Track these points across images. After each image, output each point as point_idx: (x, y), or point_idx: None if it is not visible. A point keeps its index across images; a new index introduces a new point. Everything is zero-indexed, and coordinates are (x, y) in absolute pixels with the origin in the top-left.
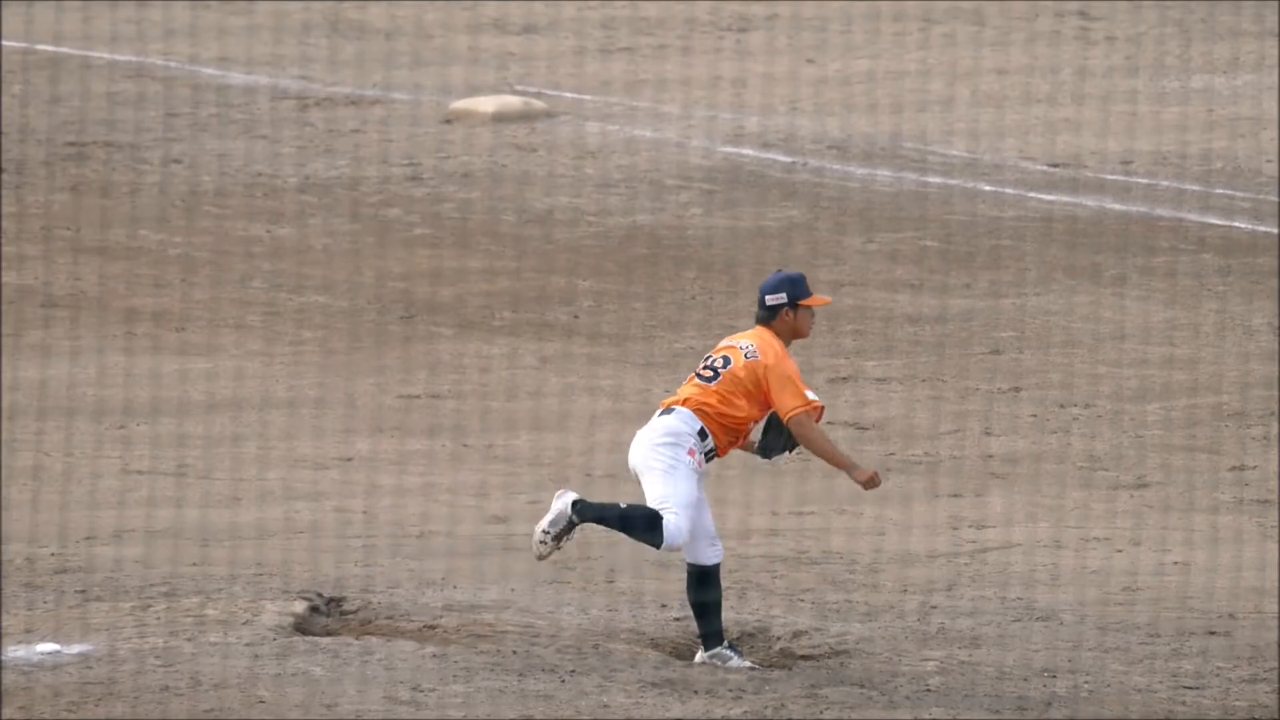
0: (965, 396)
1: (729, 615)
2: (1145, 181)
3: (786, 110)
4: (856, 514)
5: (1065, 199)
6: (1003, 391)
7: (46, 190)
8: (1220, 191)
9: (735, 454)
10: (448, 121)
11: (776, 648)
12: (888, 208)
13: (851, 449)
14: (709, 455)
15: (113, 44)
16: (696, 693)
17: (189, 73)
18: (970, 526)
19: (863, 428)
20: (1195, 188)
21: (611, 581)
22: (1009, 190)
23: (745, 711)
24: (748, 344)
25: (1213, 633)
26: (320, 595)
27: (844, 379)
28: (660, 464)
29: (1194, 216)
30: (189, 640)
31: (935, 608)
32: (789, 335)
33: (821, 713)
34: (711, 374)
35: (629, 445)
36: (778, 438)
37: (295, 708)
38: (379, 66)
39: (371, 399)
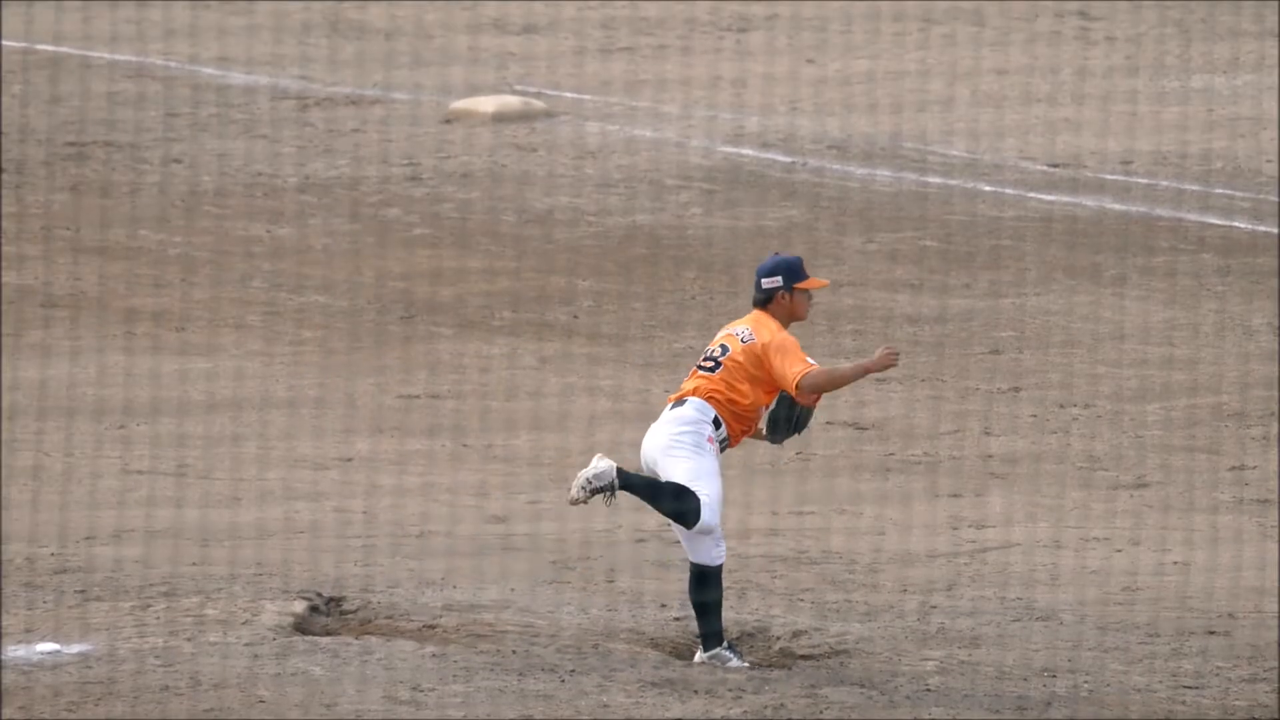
0: (965, 396)
1: (729, 615)
2: (1145, 181)
3: (786, 110)
4: (856, 514)
5: (1065, 199)
6: (1002, 391)
7: (46, 190)
8: (1220, 191)
9: (733, 455)
10: (448, 121)
11: (776, 648)
12: (888, 208)
13: (851, 449)
14: (723, 445)
15: (113, 44)
16: (696, 693)
17: (189, 73)
18: (970, 526)
19: (863, 428)
20: (1195, 188)
21: (611, 581)
22: (1009, 190)
23: (745, 711)
24: (744, 329)
25: (1213, 633)
26: (320, 595)
27: None
28: (681, 450)
29: (1194, 216)
30: (189, 640)
31: (935, 608)
32: (786, 318)
33: (821, 713)
34: (713, 364)
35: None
36: (784, 417)
37: (295, 707)
38: (379, 66)
39: (371, 399)
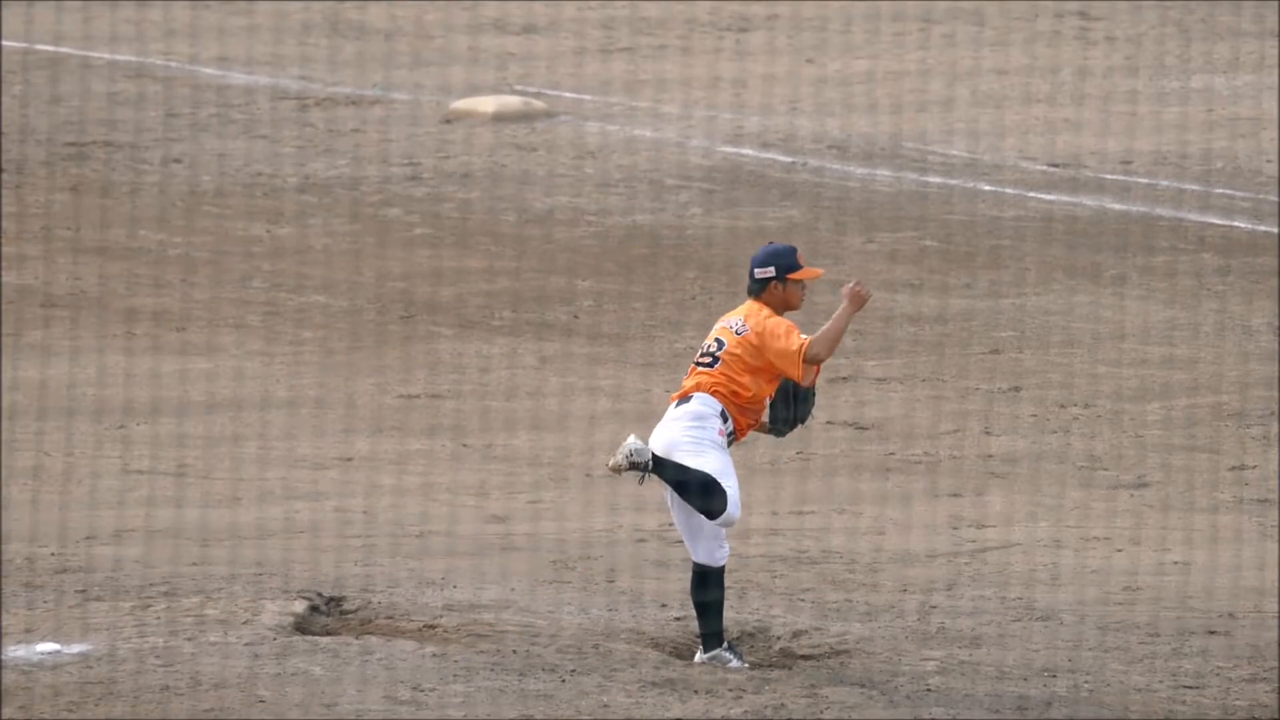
0: (965, 396)
1: (729, 615)
2: (1145, 181)
3: (786, 110)
4: (856, 514)
5: (1065, 199)
6: (1003, 391)
7: (46, 190)
8: (1220, 191)
9: (733, 454)
10: (448, 121)
11: (776, 648)
12: (888, 208)
13: (851, 449)
14: (730, 439)
15: (113, 44)
16: (696, 693)
17: (189, 73)
18: (970, 526)
19: (863, 428)
20: (1195, 188)
21: (611, 581)
22: (1009, 190)
23: (745, 711)
24: (736, 321)
25: (1213, 632)
26: (320, 595)
27: (844, 379)
28: (696, 446)
29: (1194, 216)
30: (189, 640)
31: (935, 608)
32: (780, 308)
33: (821, 713)
34: (710, 359)
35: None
36: (785, 408)
37: (295, 707)
38: (379, 66)
39: (371, 399)
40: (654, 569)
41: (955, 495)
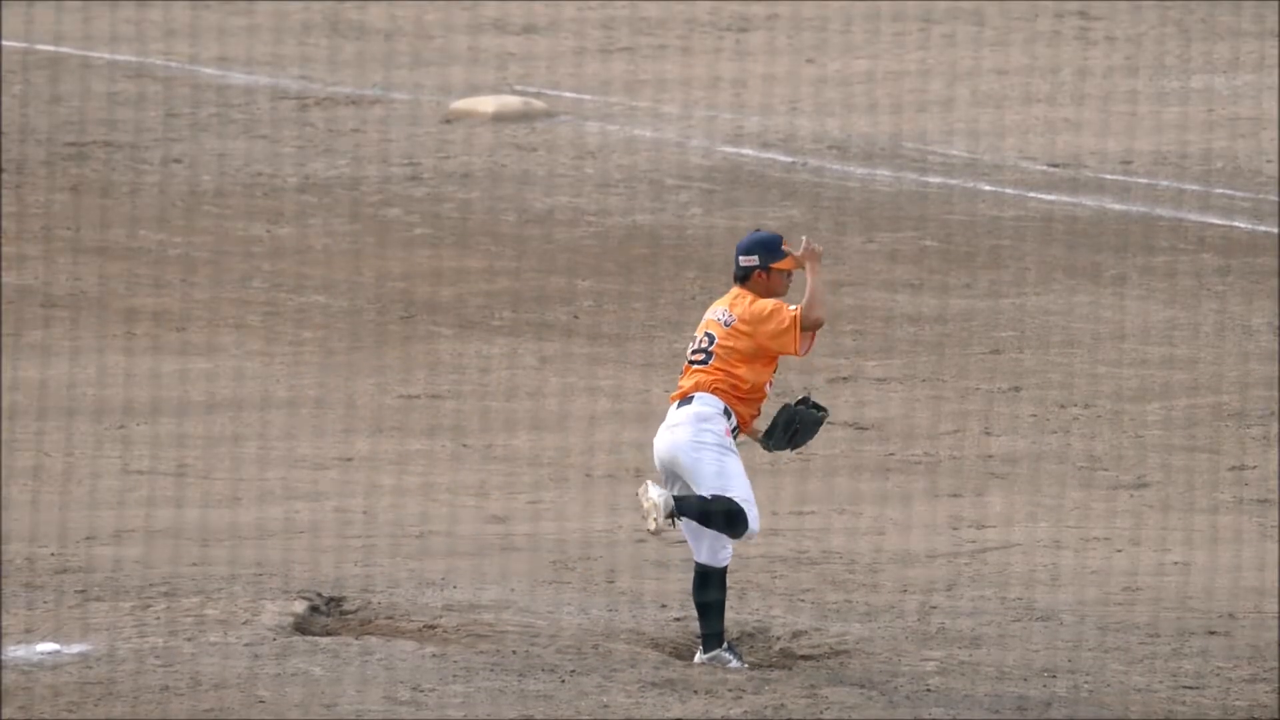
0: (965, 396)
1: (729, 616)
2: (1145, 181)
3: (786, 110)
4: (856, 514)
5: (1065, 199)
6: (1003, 391)
7: (46, 190)
8: (1220, 191)
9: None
10: (448, 121)
11: (776, 648)
12: (888, 208)
13: (851, 449)
14: (734, 433)
15: (113, 44)
16: (696, 693)
17: (189, 73)
18: (970, 526)
19: (863, 428)
20: (1195, 188)
21: (611, 581)
22: (1009, 190)
23: (745, 711)
24: (722, 311)
25: (1213, 633)
26: (320, 595)
27: (844, 379)
28: (706, 450)
29: (1194, 216)
30: (189, 640)
31: (935, 608)
32: (764, 295)
33: (821, 713)
34: (704, 355)
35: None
36: (783, 438)
37: (295, 708)
38: (379, 66)
39: (371, 399)
40: (654, 569)
41: (955, 495)
